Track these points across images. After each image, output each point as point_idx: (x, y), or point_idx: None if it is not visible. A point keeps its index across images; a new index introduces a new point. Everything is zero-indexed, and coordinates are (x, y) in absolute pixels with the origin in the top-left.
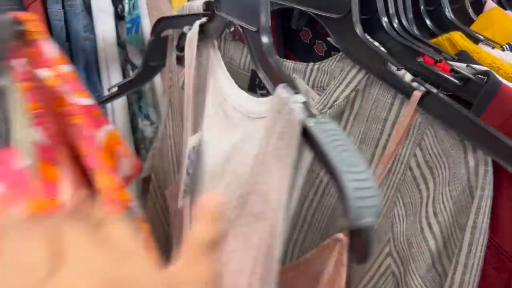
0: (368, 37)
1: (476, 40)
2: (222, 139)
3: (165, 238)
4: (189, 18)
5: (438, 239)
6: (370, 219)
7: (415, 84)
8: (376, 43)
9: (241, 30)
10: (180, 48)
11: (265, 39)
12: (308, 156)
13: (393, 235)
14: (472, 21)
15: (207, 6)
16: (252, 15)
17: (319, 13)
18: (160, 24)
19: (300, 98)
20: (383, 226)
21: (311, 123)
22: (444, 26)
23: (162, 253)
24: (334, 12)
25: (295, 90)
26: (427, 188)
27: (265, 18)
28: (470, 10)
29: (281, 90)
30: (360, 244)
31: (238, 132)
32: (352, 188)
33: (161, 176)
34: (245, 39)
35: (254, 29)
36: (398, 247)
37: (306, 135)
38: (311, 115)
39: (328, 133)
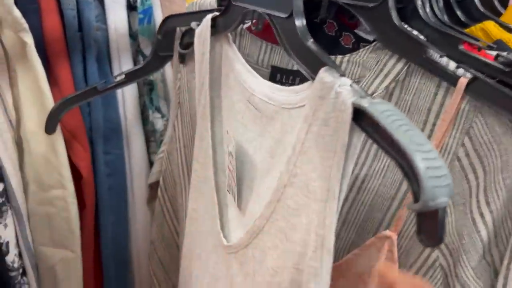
0: (406, 26)
1: (509, 30)
2: (263, 134)
3: (174, 246)
4: (199, 15)
5: (489, 229)
6: (444, 199)
7: (460, 71)
8: (415, 32)
9: (267, 18)
10: (184, 46)
11: (299, 23)
12: (358, 141)
13: None
14: (498, 13)
15: (222, 0)
16: (280, 1)
17: (352, 2)
18: (168, 22)
19: (347, 80)
20: None
21: (365, 104)
22: (474, 18)
23: (171, 260)
24: (368, 0)
25: (340, 72)
26: (476, 178)
27: (298, 1)
28: (497, 2)
29: (324, 74)
30: (432, 226)
31: (277, 125)
32: (424, 168)
33: (170, 181)
34: (273, 28)
35: (284, 15)
36: (448, 239)
37: (359, 118)
38: (363, 96)
39: (386, 113)
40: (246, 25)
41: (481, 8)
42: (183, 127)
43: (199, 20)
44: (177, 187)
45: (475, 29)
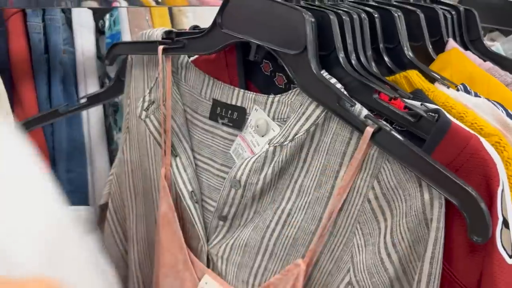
0: (326, 73)
1: (432, 79)
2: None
3: (123, 267)
4: (145, 45)
5: (397, 267)
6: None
7: (368, 121)
8: (334, 80)
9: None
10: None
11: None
12: None
13: (353, 264)
14: (432, 59)
15: (168, 35)
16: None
17: (276, 48)
18: (116, 48)
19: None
20: (343, 256)
21: None
22: (403, 64)
23: (119, 279)
24: (291, 48)
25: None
26: (385, 220)
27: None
28: (430, 49)
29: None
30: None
31: None
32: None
33: (119, 203)
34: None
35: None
36: (359, 277)
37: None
38: None
39: None
40: (192, 58)
41: (409, 55)
42: (131, 152)
43: (144, 49)
44: (125, 209)
45: (399, 77)
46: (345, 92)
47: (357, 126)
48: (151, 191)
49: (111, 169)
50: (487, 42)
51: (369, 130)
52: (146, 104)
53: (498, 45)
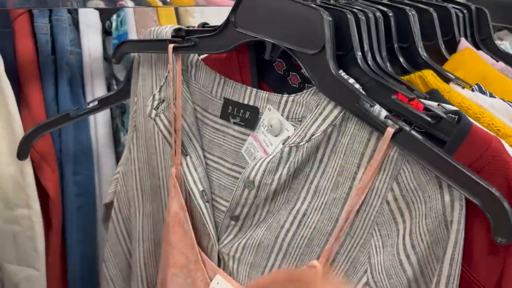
0: (343, 73)
1: (447, 79)
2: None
3: (126, 266)
4: (154, 43)
5: (415, 269)
6: None
7: (388, 121)
8: (351, 80)
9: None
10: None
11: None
12: None
13: (371, 266)
14: (445, 59)
15: (177, 33)
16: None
17: (293, 47)
18: (123, 46)
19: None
20: (359, 257)
21: None
22: (417, 64)
23: (122, 279)
24: (308, 47)
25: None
26: (404, 221)
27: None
28: (443, 48)
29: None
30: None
31: None
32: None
33: (124, 201)
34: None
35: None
36: (376, 278)
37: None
38: None
39: None
40: (202, 56)
41: (424, 55)
42: (138, 150)
43: (153, 47)
44: (131, 208)
45: (414, 77)
46: (363, 93)
47: (377, 127)
48: (160, 189)
49: (117, 167)
50: (496, 41)
51: (390, 131)
52: (156, 103)
53: (507, 44)
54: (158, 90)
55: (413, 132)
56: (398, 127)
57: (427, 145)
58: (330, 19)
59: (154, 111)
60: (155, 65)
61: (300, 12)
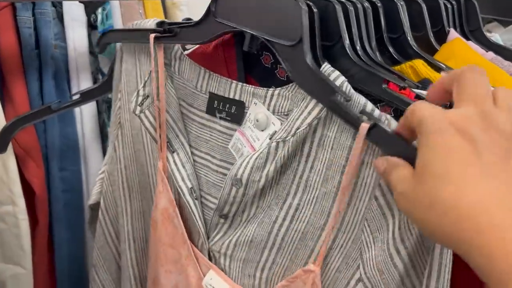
0: (328, 65)
1: (438, 69)
2: None
3: (116, 268)
4: (138, 33)
5: (406, 262)
6: None
7: (364, 117)
8: (337, 72)
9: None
10: None
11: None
12: None
13: (363, 262)
14: (434, 49)
15: (160, 26)
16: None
17: (270, 39)
18: (107, 36)
19: None
20: (351, 253)
21: None
22: (407, 54)
23: (112, 282)
24: (285, 39)
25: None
26: (393, 216)
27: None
28: (433, 39)
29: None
30: None
31: None
32: None
33: (111, 201)
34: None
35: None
36: (369, 273)
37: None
38: None
39: None
40: (186, 52)
41: (414, 46)
42: (124, 147)
43: (135, 37)
44: (118, 208)
45: (405, 67)
46: (348, 85)
47: (352, 123)
48: (150, 187)
49: (102, 167)
50: (486, 33)
51: (364, 127)
52: (140, 99)
53: (497, 35)
54: (142, 85)
55: (387, 128)
56: (372, 122)
57: (400, 140)
58: (306, 9)
59: (138, 108)
60: (138, 61)
61: (279, 2)
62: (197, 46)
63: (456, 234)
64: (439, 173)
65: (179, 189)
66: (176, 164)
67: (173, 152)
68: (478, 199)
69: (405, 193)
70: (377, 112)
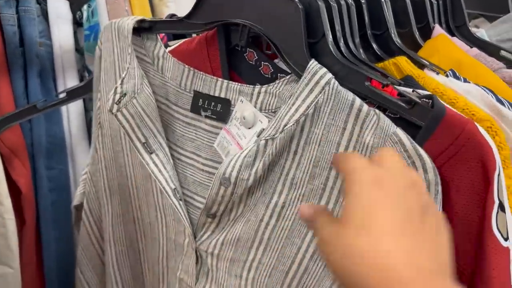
0: (315, 62)
1: (421, 66)
2: None
3: (101, 269)
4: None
5: None
6: None
7: (365, 108)
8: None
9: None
10: None
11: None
12: None
13: None
14: (419, 46)
15: (140, 24)
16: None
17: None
18: None
19: None
20: None
21: None
22: (391, 51)
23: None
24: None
25: None
26: None
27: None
28: (417, 35)
29: None
30: None
31: None
32: None
33: (94, 203)
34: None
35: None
36: None
37: None
38: None
39: None
40: (168, 48)
41: (398, 42)
42: (104, 148)
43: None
44: (101, 208)
45: (388, 64)
46: (336, 82)
47: None
48: (128, 189)
49: (85, 167)
50: (472, 29)
51: None
52: (117, 97)
53: (483, 31)
54: (120, 82)
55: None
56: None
57: None
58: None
59: (115, 106)
60: (117, 58)
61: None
62: (180, 43)
63: (366, 284)
64: (360, 224)
65: (163, 190)
66: (157, 166)
67: (151, 153)
68: (392, 254)
69: (328, 240)
70: (365, 107)
